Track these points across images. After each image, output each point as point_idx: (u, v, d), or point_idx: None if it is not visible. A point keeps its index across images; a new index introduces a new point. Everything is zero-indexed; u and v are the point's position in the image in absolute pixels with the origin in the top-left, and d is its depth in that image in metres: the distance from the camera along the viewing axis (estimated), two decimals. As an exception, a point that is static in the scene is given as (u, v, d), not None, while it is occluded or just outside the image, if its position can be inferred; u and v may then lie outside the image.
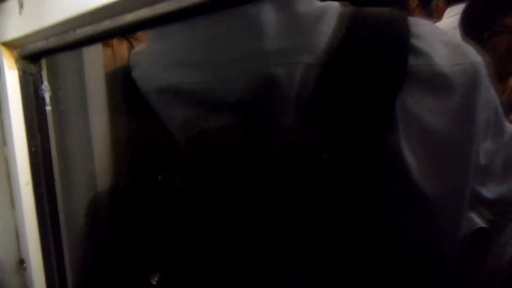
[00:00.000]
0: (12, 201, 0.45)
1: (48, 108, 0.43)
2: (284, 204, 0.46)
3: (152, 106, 0.53)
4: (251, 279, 0.47)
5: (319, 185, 0.46)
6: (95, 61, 0.48)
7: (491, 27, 1.35)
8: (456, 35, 0.57)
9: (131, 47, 1.14)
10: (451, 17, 1.50)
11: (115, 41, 1.12)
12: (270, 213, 0.47)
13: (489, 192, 0.57)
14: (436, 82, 0.52)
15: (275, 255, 0.46)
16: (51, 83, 0.43)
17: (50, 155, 0.45)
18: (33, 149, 0.43)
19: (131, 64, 0.57)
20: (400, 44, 0.52)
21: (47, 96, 0.43)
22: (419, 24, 0.53)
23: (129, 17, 0.34)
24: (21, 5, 0.38)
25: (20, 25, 0.39)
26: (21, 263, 0.48)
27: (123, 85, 0.56)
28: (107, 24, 0.35)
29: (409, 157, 0.50)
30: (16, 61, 0.41)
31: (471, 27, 0.57)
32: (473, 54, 0.55)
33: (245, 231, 0.47)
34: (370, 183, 0.49)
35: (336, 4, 0.54)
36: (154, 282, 0.48)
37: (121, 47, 1.14)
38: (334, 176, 0.46)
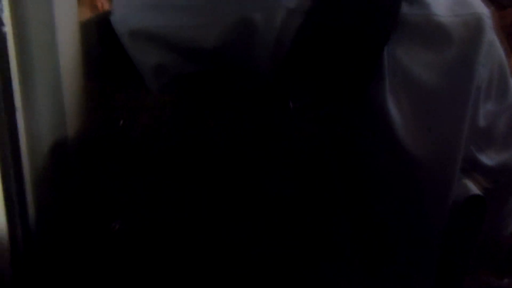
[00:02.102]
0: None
1: (5, 29, 0.41)
2: (249, 154, 0.44)
3: (125, 50, 0.51)
4: (210, 234, 0.44)
5: (284, 134, 0.43)
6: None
7: (498, 0, 1.28)
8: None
9: None
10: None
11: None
12: (234, 164, 0.44)
13: (488, 158, 0.52)
14: (433, 34, 0.48)
15: (237, 210, 0.44)
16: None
17: (10, 80, 0.43)
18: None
19: (112, 8, 0.55)
20: None
21: (3, 15, 0.41)
22: None
23: None
24: None
25: None
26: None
27: (99, 27, 0.54)
28: None
29: (395, 113, 0.46)
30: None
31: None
32: (478, 5, 0.50)
33: (209, 184, 0.44)
34: (347, 137, 0.45)
35: None
36: (114, 230, 0.46)
37: None
38: (301, 126, 0.43)
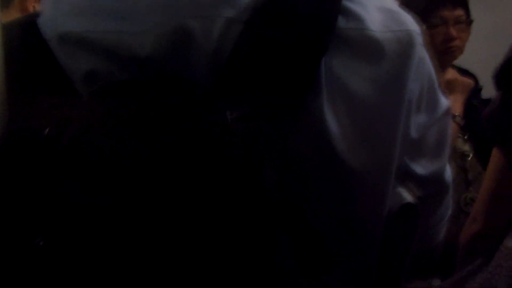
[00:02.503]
0: None
1: None
2: (184, 164, 0.42)
3: (53, 54, 0.48)
4: (141, 250, 0.42)
5: (221, 145, 0.42)
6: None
7: (428, 19, 1.36)
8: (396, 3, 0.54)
9: None
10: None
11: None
12: (167, 175, 0.42)
13: (421, 168, 0.54)
14: (367, 48, 0.49)
15: (169, 225, 0.42)
16: None
17: None
18: None
19: (40, 11, 0.52)
20: (330, 4, 0.49)
21: None
22: None
23: None
24: None
25: None
26: None
27: (24, 30, 0.51)
28: None
29: (332, 124, 0.47)
30: None
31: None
32: (410, 22, 0.52)
33: (140, 197, 0.42)
34: (284, 148, 0.45)
35: None
36: (39, 247, 0.42)
37: None
38: (238, 137, 0.42)
